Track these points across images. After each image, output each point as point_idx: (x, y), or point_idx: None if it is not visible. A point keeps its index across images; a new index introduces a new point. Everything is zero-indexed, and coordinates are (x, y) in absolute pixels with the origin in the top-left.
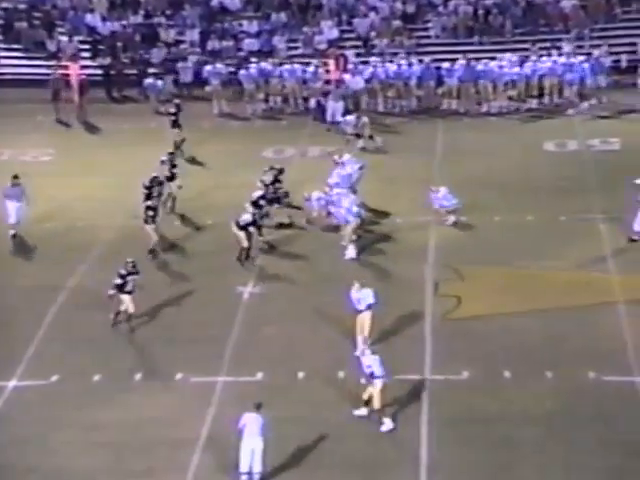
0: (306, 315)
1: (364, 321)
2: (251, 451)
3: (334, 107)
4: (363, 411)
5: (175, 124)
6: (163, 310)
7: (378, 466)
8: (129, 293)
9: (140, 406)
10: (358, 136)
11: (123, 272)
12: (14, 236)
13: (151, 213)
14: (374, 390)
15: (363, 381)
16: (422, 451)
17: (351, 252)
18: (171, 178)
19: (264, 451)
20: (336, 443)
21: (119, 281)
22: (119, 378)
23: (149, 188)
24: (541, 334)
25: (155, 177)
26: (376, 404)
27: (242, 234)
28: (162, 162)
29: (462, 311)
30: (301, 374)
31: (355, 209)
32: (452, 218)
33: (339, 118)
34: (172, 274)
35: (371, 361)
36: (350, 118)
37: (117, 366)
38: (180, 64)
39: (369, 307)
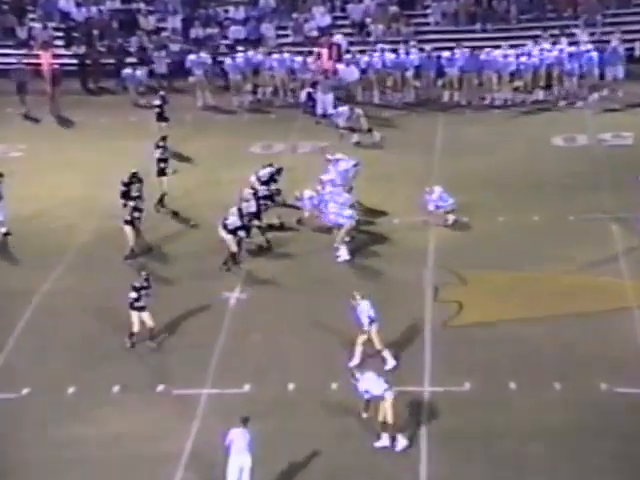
0: (297, 322)
1: (372, 337)
2: (239, 469)
3: (323, 99)
4: (385, 440)
5: (161, 117)
6: None
7: None
8: (140, 309)
9: (118, 420)
10: (352, 130)
11: (137, 285)
12: (7, 234)
13: (137, 214)
14: (386, 405)
15: (365, 415)
16: (421, 467)
17: (344, 254)
18: (161, 173)
19: (252, 469)
20: (329, 459)
21: (134, 295)
22: (96, 390)
23: (127, 185)
24: (549, 342)
25: (134, 173)
26: (389, 418)
27: (230, 238)
28: (159, 160)
29: (464, 318)
30: (291, 385)
31: (348, 212)
32: (451, 217)
33: (330, 110)
34: (154, 278)
35: (366, 384)
36: (343, 110)
37: (94, 377)
38: (155, 53)
39: (371, 321)
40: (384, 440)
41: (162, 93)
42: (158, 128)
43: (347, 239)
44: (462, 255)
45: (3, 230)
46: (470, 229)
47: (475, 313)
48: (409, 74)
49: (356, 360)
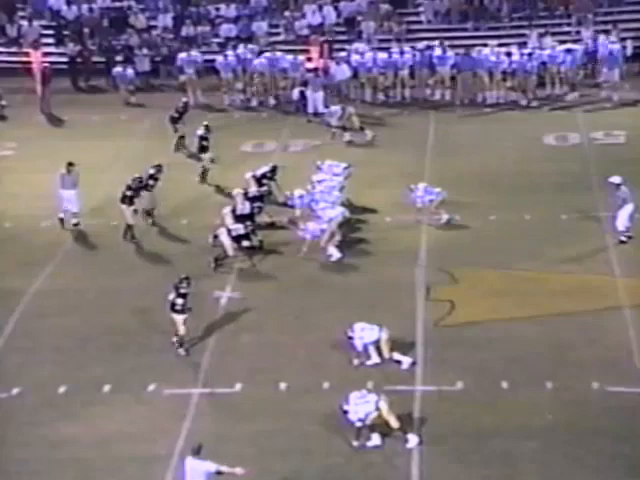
0: (288, 321)
1: (381, 345)
2: None
3: (314, 98)
4: (376, 440)
5: (176, 121)
6: (134, 316)
7: None
8: (181, 313)
9: (109, 420)
10: (344, 129)
11: (183, 292)
12: (76, 224)
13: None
14: (382, 413)
15: (356, 443)
16: (413, 467)
17: (335, 253)
18: (202, 150)
19: None
20: (320, 458)
21: (181, 301)
22: (86, 390)
23: (135, 190)
24: (541, 342)
25: (137, 177)
26: (393, 424)
27: (230, 244)
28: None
29: (456, 317)
30: (283, 385)
31: (338, 210)
32: (445, 216)
33: (322, 109)
34: (145, 277)
35: (356, 410)
36: (335, 109)
37: (84, 377)
38: (137, 51)
39: (366, 347)
40: (375, 439)
41: (185, 99)
42: (174, 130)
43: (337, 237)
44: (454, 254)
45: (74, 221)
46: (462, 228)
47: (467, 312)
48: (404, 74)
49: (401, 359)
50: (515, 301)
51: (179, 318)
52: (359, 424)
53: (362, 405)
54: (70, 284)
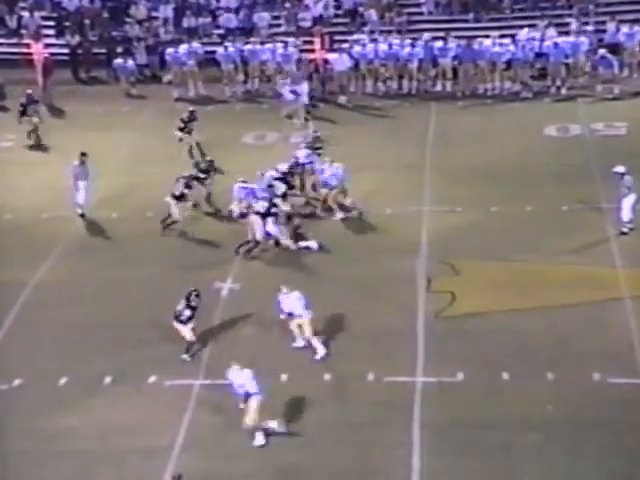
0: None
1: (302, 325)
2: None
3: (301, 90)
4: (260, 439)
5: (23, 114)
6: (135, 308)
7: (366, 474)
8: (186, 323)
9: (110, 412)
10: (290, 117)
11: (194, 304)
12: (82, 215)
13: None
14: (250, 406)
15: (241, 405)
16: (414, 458)
17: (338, 214)
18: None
19: None
20: (321, 450)
21: (188, 313)
22: (87, 381)
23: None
24: (542, 333)
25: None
26: (249, 420)
27: (261, 223)
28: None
29: (457, 308)
30: (284, 376)
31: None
32: (340, 214)
33: (305, 99)
34: (146, 269)
35: (243, 379)
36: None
37: (85, 369)
38: (135, 43)
39: (290, 314)
40: (259, 439)
41: (29, 91)
42: (19, 122)
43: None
44: (455, 245)
45: (79, 212)
46: (464, 219)
47: (468, 304)
48: (413, 67)
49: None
50: (516, 292)
51: (183, 328)
52: (241, 389)
53: (248, 380)
54: (71, 276)
